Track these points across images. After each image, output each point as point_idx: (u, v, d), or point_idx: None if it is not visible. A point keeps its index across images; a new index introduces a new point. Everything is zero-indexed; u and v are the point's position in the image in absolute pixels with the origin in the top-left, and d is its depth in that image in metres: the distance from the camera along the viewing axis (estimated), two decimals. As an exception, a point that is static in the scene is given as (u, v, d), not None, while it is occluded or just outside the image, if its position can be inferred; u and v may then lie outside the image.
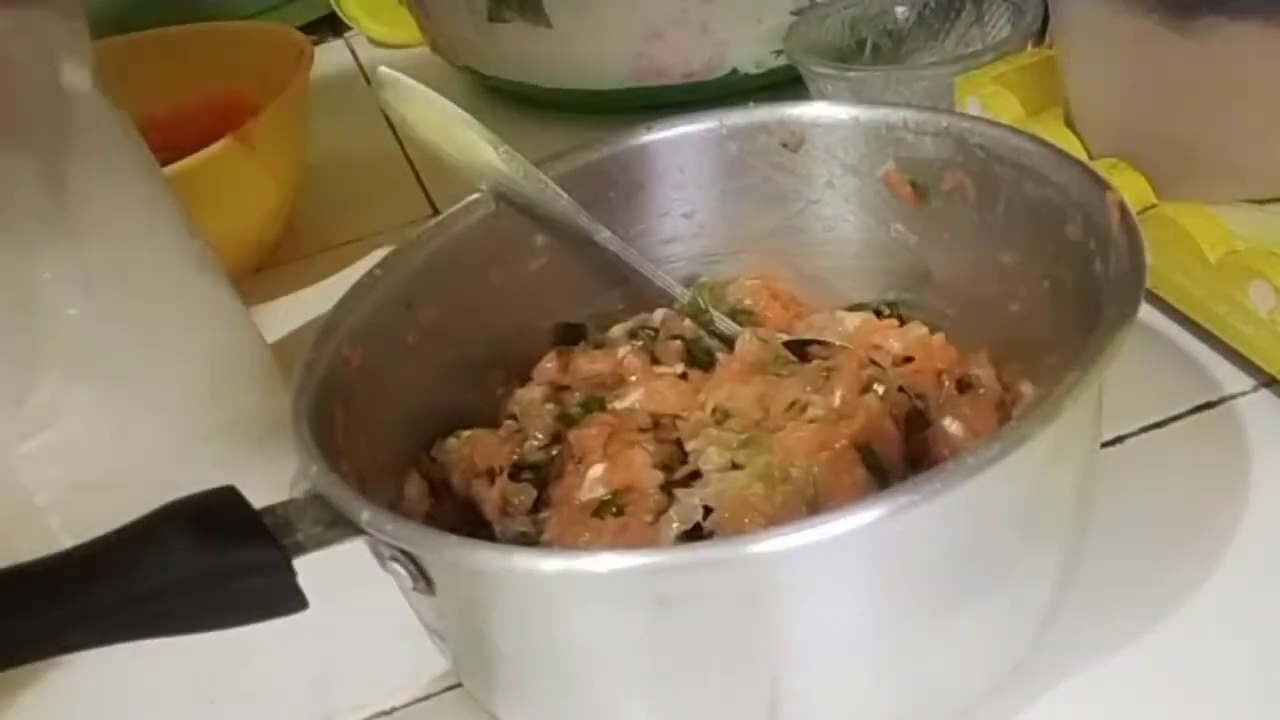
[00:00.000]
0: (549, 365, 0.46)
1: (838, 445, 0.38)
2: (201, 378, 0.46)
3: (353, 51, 0.93)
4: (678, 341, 0.46)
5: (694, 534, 0.38)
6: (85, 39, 0.43)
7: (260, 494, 0.33)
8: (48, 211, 0.41)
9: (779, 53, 0.69)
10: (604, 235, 0.45)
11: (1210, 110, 0.46)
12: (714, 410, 0.42)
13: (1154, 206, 0.48)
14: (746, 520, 0.37)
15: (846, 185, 0.45)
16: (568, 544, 0.39)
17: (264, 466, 0.37)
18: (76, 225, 0.42)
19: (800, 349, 0.44)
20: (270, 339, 0.52)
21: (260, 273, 0.67)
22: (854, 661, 0.33)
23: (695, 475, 0.40)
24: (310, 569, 0.32)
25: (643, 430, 0.42)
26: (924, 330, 0.45)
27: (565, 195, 0.44)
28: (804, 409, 0.40)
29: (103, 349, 0.43)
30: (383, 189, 0.73)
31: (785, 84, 0.68)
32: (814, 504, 0.37)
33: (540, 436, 0.43)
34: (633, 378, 0.44)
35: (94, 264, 0.42)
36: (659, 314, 0.47)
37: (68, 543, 0.31)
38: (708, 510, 0.39)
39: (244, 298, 0.50)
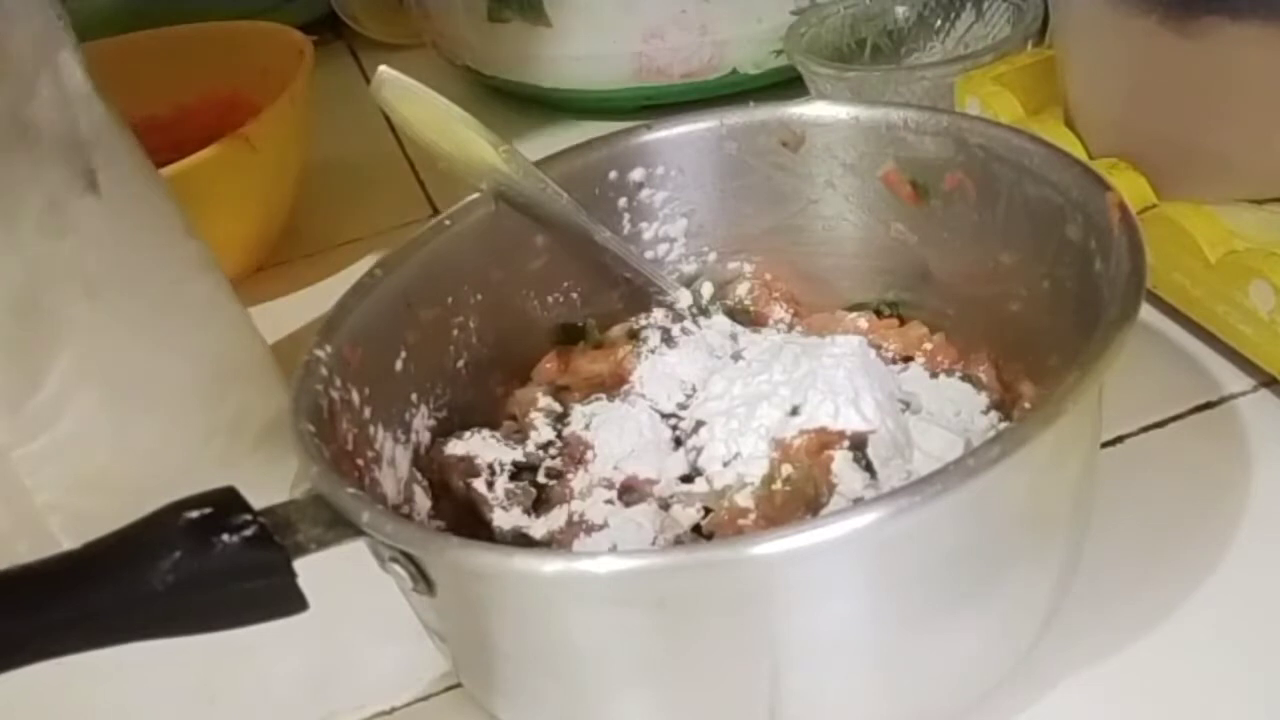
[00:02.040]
0: (549, 365, 0.46)
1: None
2: (201, 378, 0.46)
3: (353, 51, 0.93)
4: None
5: (693, 534, 0.38)
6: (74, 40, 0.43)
7: (260, 494, 0.33)
8: (47, 214, 0.41)
9: (779, 53, 0.69)
10: (604, 235, 0.45)
11: (1210, 110, 0.46)
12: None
13: (1154, 206, 0.48)
14: (745, 521, 0.37)
15: (846, 185, 0.45)
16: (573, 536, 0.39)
17: (264, 467, 0.37)
18: (75, 227, 0.42)
19: None
20: (270, 339, 0.52)
21: (260, 273, 0.67)
22: (853, 663, 0.33)
23: (694, 475, 0.40)
24: (310, 569, 0.32)
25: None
26: (924, 330, 0.45)
27: (565, 195, 0.44)
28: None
29: (103, 350, 0.43)
30: (383, 189, 0.73)
31: (785, 84, 0.68)
32: (814, 504, 0.37)
33: (541, 436, 0.43)
34: (632, 378, 0.44)
35: (93, 265, 0.42)
36: (659, 314, 0.47)
37: (68, 544, 0.31)
38: (706, 510, 0.39)
39: (244, 298, 0.50)
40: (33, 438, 0.42)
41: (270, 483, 0.34)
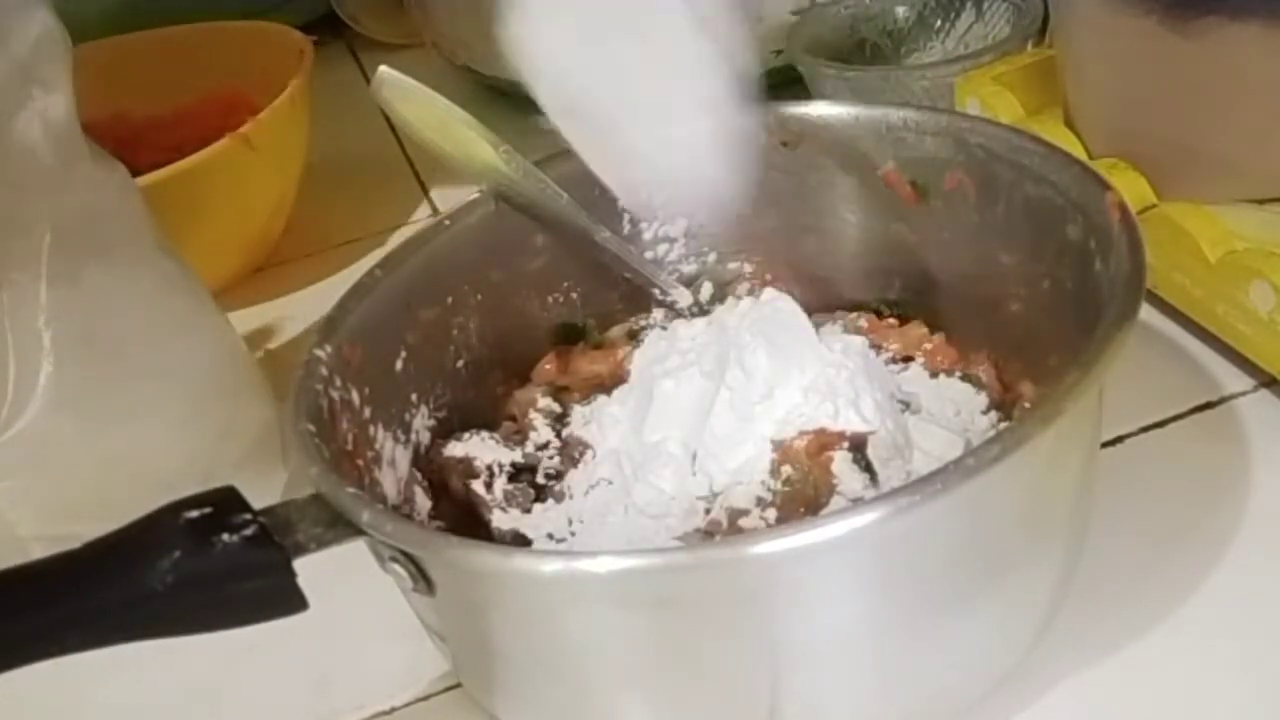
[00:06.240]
0: (548, 365, 0.46)
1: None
2: (182, 396, 0.45)
3: (353, 51, 0.93)
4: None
5: (695, 534, 0.38)
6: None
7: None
8: (12, 244, 0.40)
9: (779, 53, 0.68)
10: (604, 235, 0.45)
11: (1210, 110, 0.46)
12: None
13: (1154, 206, 0.48)
14: (746, 521, 0.37)
15: (846, 185, 0.45)
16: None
17: (252, 480, 0.36)
18: (41, 256, 0.41)
19: None
20: (270, 339, 0.52)
21: (260, 273, 0.67)
22: (854, 662, 0.33)
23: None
24: (310, 569, 0.32)
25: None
26: (924, 330, 0.45)
27: (565, 195, 0.44)
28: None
29: (76, 378, 0.42)
30: (383, 189, 0.73)
31: (785, 84, 0.68)
32: (814, 504, 0.37)
33: (540, 437, 0.43)
34: (632, 378, 0.44)
35: (62, 294, 0.42)
36: (659, 314, 0.47)
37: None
38: (706, 510, 0.39)
39: (244, 298, 0.49)
40: (10, 471, 0.42)
41: (258, 497, 0.33)
